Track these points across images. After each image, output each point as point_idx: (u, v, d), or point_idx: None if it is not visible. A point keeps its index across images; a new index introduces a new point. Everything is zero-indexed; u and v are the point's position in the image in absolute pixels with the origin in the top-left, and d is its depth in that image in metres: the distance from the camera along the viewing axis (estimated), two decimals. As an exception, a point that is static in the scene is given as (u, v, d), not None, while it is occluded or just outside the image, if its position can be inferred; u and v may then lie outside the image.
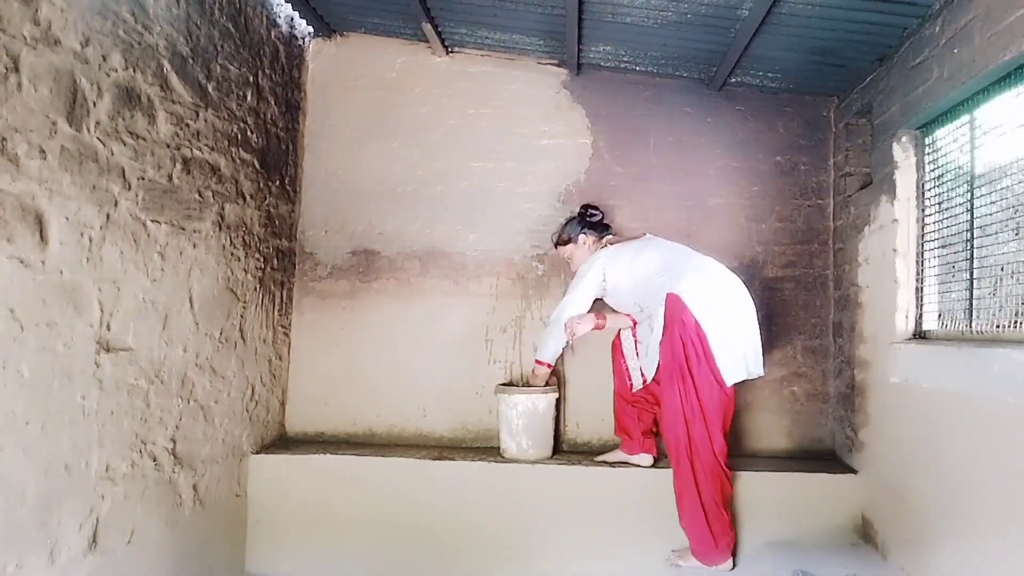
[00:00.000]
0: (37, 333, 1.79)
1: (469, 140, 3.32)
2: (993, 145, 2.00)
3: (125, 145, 2.08)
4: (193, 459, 2.50)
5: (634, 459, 2.86)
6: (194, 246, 2.47)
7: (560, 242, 2.99)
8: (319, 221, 3.36)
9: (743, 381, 2.54)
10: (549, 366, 2.90)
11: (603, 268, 2.78)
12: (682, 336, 2.45)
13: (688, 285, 2.50)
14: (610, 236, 2.96)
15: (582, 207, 2.99)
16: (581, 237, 2.92)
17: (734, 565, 2.52)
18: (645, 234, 2.90)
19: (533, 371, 2.94)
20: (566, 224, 2.99)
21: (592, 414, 3.18)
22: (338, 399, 3.29)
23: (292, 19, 3.22)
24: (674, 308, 2.48)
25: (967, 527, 1.98)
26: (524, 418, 2.88)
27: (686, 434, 2.45)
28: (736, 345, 2.50)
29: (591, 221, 2.95)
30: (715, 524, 2.46)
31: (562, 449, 3.16)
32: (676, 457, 2.48)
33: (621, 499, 2.78)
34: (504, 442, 2.95)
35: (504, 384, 3.08)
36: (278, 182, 3.13)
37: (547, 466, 2.87)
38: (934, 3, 2.18)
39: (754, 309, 2.58)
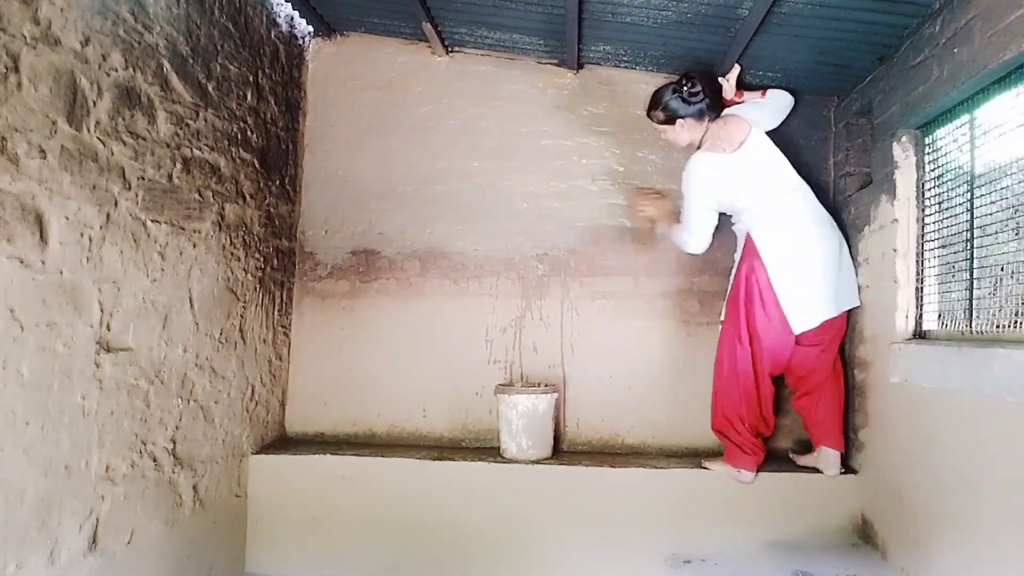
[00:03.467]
0: (37, 333, 1.78)
1: (469, 140, 3.32)
2: (993, 145, 2.00)
3: (125, 145, 2.08)
4: (193, 459, 2.50)
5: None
6: (194, 246, 2.47)
7: (651, 117, 2.80)
8: (319, 221, 3.36)
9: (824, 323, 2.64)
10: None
11: (710, 183, 2.68)
12: (748, 280, 2.62)
13: (766, 233, 2.61)
14: (708, 120, 2.72)
15: (680, 79, 2.69)
16: (679, 121, 2.71)
17: (754, 478, 2.72)
18: (731, 112, 2.77)
19: (665, 227, 2.93)
20: (658, 101, 2.73)
21: (592, 414, 3.18)
22: (338, 399, 3.29)
23: (292, 18, 3.22)
24: (750, 251, 2.65)
25: (967, 527, 1.98)
26: (524, 418, 2.88)
27: (732, 353, 2.67)
28: (808, 293, 2.58)
29: (691, 100, 2.67)
30: (736, 437, 2.70)
31: (562, 449, 3.16)
32: (718, 364, 2.75)
33: (621, 499, 2.78)
34: (504, 442, 2.95)
35: (504, 384, 3.08)
36: (278, 182, 3.13)
37: (547, 466, 2.86)
38: (934, 3, 2.18)
39: (841, 243, 2.67)
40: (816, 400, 2.76)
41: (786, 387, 2.90)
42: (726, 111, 2.79)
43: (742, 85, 2.90)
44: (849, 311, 2.91)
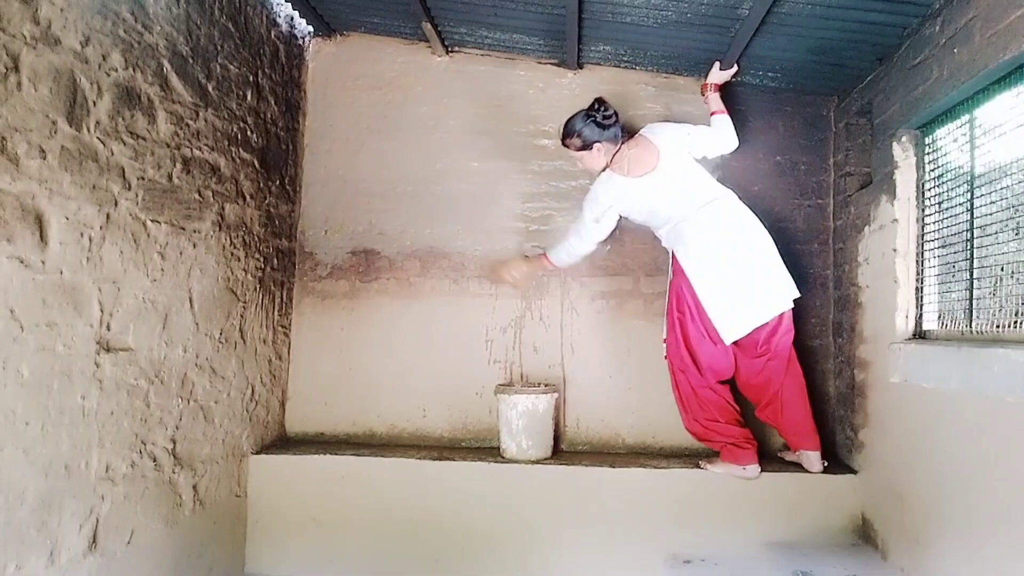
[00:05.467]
0: (37, 333, 1.78)
1: (469, 140, 3.32)
2: (993, 145, 2.00)
3: (125, 145, 2.08)
4: (193, 459, 2.50)
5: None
6: (194, 246, 2.47)
7: (567, 144, 2.75)
8: (319, 221, 3.36)
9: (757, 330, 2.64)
10: (551, 264, 2.92)
11: (613, 204, 2.68)
12: (678, 297, 2.66)
13: (687, 251, 2.62)
14: (621, 141, 2.71)
15: (595, 102, 2.67)
16: (596, 146, 2.68)
17: (760, 470, 2.71)
18: (642, 135, 2.73)
19: (537, 259, 2.98)
20: (577, 123, 2.68)
21: (592, 414, 3.19)
22: (338, 399, 3.29)
23: (292, 18, 3.22)
24: (676, 268, 2.69)
25: (967, 527, 1.98)
26: (524, 418, 2.88)
27: (682, 369, 2.70)
28: (736, 303, 2.57)
29: (605, 124, 2.65)
30: (724, 437, 2.71)
31: (562, 449, 3.16)
32: (673, 379, 2.77)
33: (621, 499, 2.78)
34: (504, 442, 2.95)
35: (503, 384, 3.08)
36: (278, 182, 3.13)
37: (547, 466, 2.87)
38: (934, 3, 2.18)
39: (765, 245, 2.62)
40: (778, 409, 2.75)
41: (748, 401, 2.87)
42: (644, 131, 2.75)
43: (726, 91, 2.88)
44: (849, 311, 2.90)
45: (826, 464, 2.76)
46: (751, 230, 2.63)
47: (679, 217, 2.65)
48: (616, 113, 2.68)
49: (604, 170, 2.72)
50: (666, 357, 2.77)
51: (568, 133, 2.72)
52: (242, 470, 2.86)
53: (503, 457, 2.94)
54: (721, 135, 2.77)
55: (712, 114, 2.81)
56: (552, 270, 3.05)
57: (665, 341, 2.77)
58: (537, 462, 2.89)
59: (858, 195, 2.84)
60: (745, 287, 2.58)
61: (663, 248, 2.95)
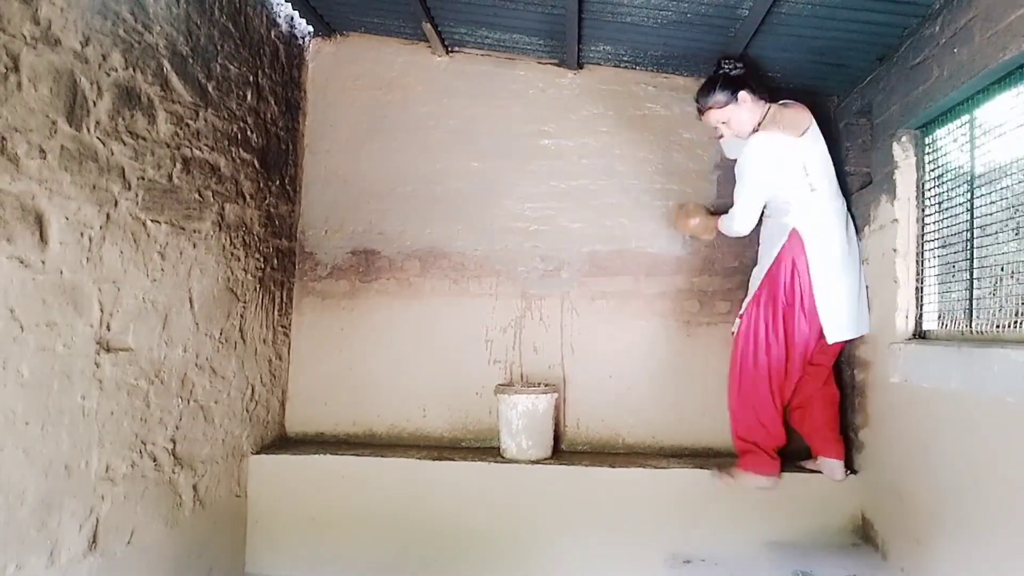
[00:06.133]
0: (37, 333, 1.79)
1: (469, 140, 3.32)
2: (993, 145, 1.99)
3: (125, 145, 2.08)
4: (193, 459, 2.50)
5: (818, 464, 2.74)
6: (194, 246, 2.47)
7: (712, 105, 2.58)
8: (319, 221, 3.36)
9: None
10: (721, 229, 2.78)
11: (770, 165, 2.51)
12: (790, 279, 2.51)
13: (816, 233, 2.50)
14: (768, 102, 2.60)
15: (718, 63, 2.60)
16: (740, 94, 2.53)
17: (777, 481, 2.66)
18: (793, 103, 2.62)
19: (715, 224, 2.82)
20: (712, 87, 2.58)
21: (592, 414, 3.18)
22: (338, 399, 3.29)
23: (292, 18, 3.22)
24: (793, 248, 2.52)
25: (967, 527, 1.98)
26: (524, 418, 2.88)
27: (764, 351, 2.58)
28: (846, 303, 2.53)
29: (739, 77, 2.56)
30: (765, 441, 2.62)
31: (561, 449, 3.16)
32: (743, 364, 2.63)
33: (621, 499, 2.78)
34: (504, 442, 2.95)
35: (503, 384, 3.08)
36: (278, 182, 3.13)
37: (547, 466, 2.86)
38: (934, 3, 2.18)
39: (861, 269, 2.60)
40: (808, 412, 2.73)
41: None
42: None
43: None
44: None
45: (849, 473, 2.72)
46: (857, 245, 2.63)
47: (815, 196, 2.53)
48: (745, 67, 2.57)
49: (755, 131, 2.57)
50: (735, 338, 2.68)
51: (708, 90, 2.60)
52: (242, 470, 2.86)
53: (503, 457, 2.94)
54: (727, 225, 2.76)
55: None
56: (716, 238, 2.92)
57: (743, 318, 2.66)
58: (537, 462, 2.89)
59: (858, 195, 2.84)
60: (857, 292, 2.57)
61: (666, 247, 2.93)
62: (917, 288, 2.42)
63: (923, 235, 2.40)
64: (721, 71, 2.61)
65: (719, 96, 2.59)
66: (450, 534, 2.82)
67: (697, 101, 2.68)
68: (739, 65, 2.60)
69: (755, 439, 2.66)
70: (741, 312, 2.73)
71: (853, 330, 2.59)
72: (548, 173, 3.28)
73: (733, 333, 2.76)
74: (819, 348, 2.65)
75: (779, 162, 2.53)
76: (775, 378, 2.61)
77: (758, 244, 3.18)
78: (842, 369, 2.99)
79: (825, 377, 2.73)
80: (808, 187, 2.55)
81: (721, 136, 2.77)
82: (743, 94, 2.57)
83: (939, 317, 2.30)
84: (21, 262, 1.73)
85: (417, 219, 3.32)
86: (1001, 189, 1.94)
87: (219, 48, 2.60)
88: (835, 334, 2.54)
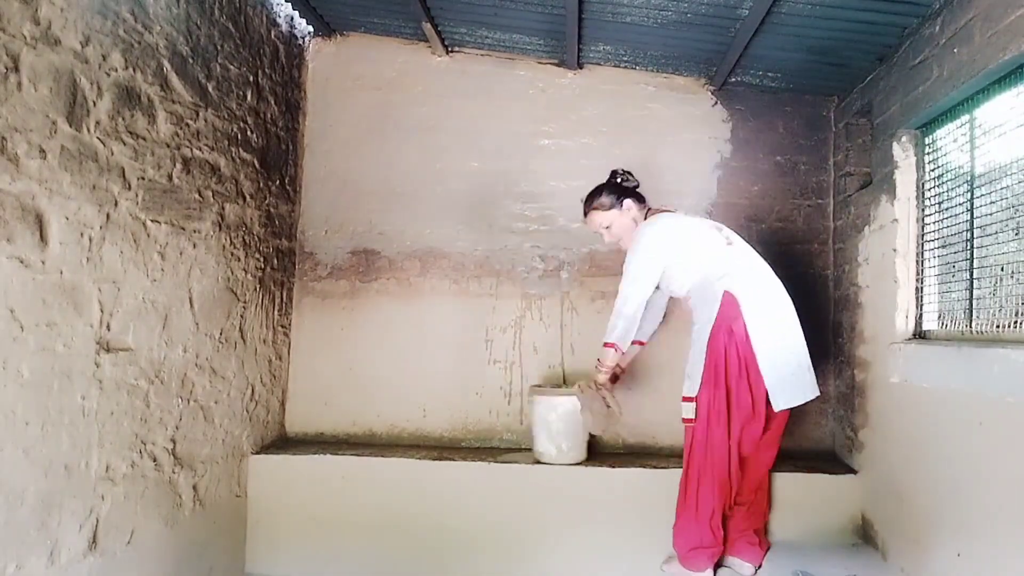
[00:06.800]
0: (37, 333, 1.78)
1: (469, 140, 3.32)
2: (993, 145, 2.00)
3: (125, 145, 2.08)
4: (193, 459, 2.50)
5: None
6: (194, 246, 2.47)
7: (596, 207, 2.55)
8: (319, 221, 3.36)
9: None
10: (617, 348, 2.46)
11: (668, 241, 2.41)
12: (727, 346, 2.28)
13: (749, 290, 2.30)
14: (652, 207, 2.60)
15: (613, 172, 2.60)
16: (626, 202, 2.53)
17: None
18: (676, 209, 2.61)
19: (599, 360, 2.53)
20: (599, 191, 2.57)
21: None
22: (338, 399, 3.29)
23: (292, 18, 3.22)
24: (727, 312, 2.29)
25: (967, 527, 1.98)
26: (564, 420, 2.81)
27: (712, 435, 2.31)
28: (792, 365, 2.31)
29: (628, 187, 2.56)
30: (695, 530, 2.38)
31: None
32: (697, 453, 2.35)
33: (621, 499, 2.77)
34: (542, 445, 2.87)
35: (538, 386, 3.04)
36: (278, 182, 3.13)
37: (583, 468, 2.84)
38: (934, 3, 2.18)
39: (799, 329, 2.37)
40: (750, 511, 2.51)
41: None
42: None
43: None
44: (849, 311, 2.89)
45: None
46: (789, 299, 2.40)
47: (738, 257, 2.41)
48: (637, 182, 2.59)
49: (645, 219, 2.54)
50: (690, 423, 2.37)
51: (595, 195, 2.57)
52: (242, 470, 2.86)
53: (538, 460, 2.88)
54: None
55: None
56: (622, 354, 2.56)
57: (696, 400, 2.34)
58: (574, 464, 2.85)
59: (858, 195, 2.84)
60: (801, 353, 2.35)
61: None
62: (917, 288, 2.42)
63: (923, 235, 2.40)
64: (610, 180, 2.59)
65: (604, 199, 2.55)
66: (449, 534, 2.81)
67: (583, 203, 2.62)
68: (630, 176, 2.60)
69: (704, 538, 2.40)
70: (690, 395, 2.37)
71: (804, 393, 2.34)
72: (548, 173, 3.28)
73: (685, 419, 2.39)
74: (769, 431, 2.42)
75: (680, 237, 2.44)
76: (719, 465, 2.35)
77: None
78: (842, 369, 3.00)
79: (772, 460, 2.51)
80: (725, 241, 2.44)
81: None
82: (628, 202, 2.54)
83: (939, 317, 2.31)
84: (21, 262, 1.73)
85: (417, 219, 3.32)
86: (1001, 189, 1.94)
87: (219, 48, 2.60)
88: (781, 400, 2.29)
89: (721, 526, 2.42)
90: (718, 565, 2.48)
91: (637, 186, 2.62)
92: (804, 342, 2.37)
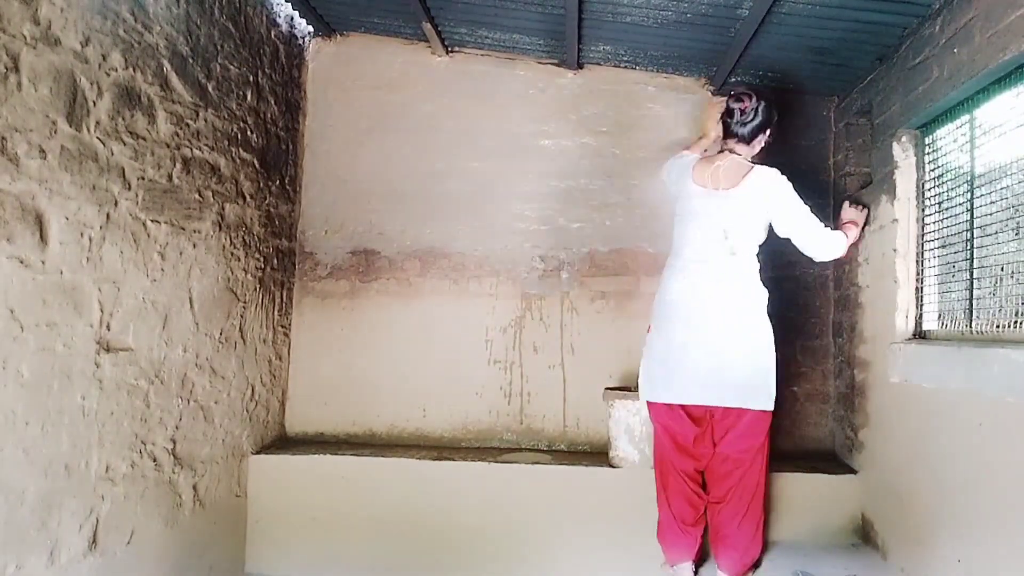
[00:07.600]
0: (37, 333, 1.79)
1: (469, 140, 3.31)
2: (993, 145, 2.00)
3: (125, 145, 2.08)
4: (193, 459, 2.50)
5: None
6: (194, 246, 2.47)
7: (763, 126, 2.39)
8: (319, 221, 3.36)
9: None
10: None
11: (669, 176, 2.57)
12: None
13: (663, 281, 2.46)
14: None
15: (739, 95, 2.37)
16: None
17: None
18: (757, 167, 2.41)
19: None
20: (762, 109, 2.36)
21: (592, 414, 3.18)
22: (338, 399, 3.29)
23: (292, 18, 3.22)
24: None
25: (967, 527, 1.98)
26: (647, 424, 2.70)
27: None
28: (668, 364, 2.35)
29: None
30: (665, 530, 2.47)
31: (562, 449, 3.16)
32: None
33: (620, 498, 2.77)
34: (623, 450, 2.81)
35: (613, 388, 2.95)
36: (278, 182, 3.13)
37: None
38: (934, 3, 2.18)
39: (745, 339, 2.28)
40: (724, 512, 2.36)
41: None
42: None
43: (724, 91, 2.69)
44: (849, 311, 2.89)
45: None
46: (749, 321, 2.30)
47: (683, 248, 2.39)
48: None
49: (760, 165, 2.42)
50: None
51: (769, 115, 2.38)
52: (242, 470, 2.86)
53: (616, 465, 2.81)
54: (820, 243, 2.37)
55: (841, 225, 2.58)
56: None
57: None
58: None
59: (858, 195, 2.84)
60: (695, 358, 2.29)
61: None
62: (917, 288, 2.42)
63: (923, 235, 2.40)
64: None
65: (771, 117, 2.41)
66: (449, 534, 2.81)
67: (756, 116, 2.39)
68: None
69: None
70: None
71: (692, 395, 2.31)
72: (548, 173, 3.28)
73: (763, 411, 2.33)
74: (726, 440, 2.36)
75: (674, 177, 2.55)
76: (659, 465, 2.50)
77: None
78: (842, 369, 3.00)
79: (755, 480, 2.36)
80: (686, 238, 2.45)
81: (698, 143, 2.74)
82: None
83: (939, 317, 2.31)
84: (21, 262, 1.73)
85: (417, 219, 3.32)
86: (1001, 189, 1.94)
87: (219, 48, 2.60)
88: (644, 392, 2.44)
89: (681, 525, 2.42)
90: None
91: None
92: (721, 351, 2.27)
